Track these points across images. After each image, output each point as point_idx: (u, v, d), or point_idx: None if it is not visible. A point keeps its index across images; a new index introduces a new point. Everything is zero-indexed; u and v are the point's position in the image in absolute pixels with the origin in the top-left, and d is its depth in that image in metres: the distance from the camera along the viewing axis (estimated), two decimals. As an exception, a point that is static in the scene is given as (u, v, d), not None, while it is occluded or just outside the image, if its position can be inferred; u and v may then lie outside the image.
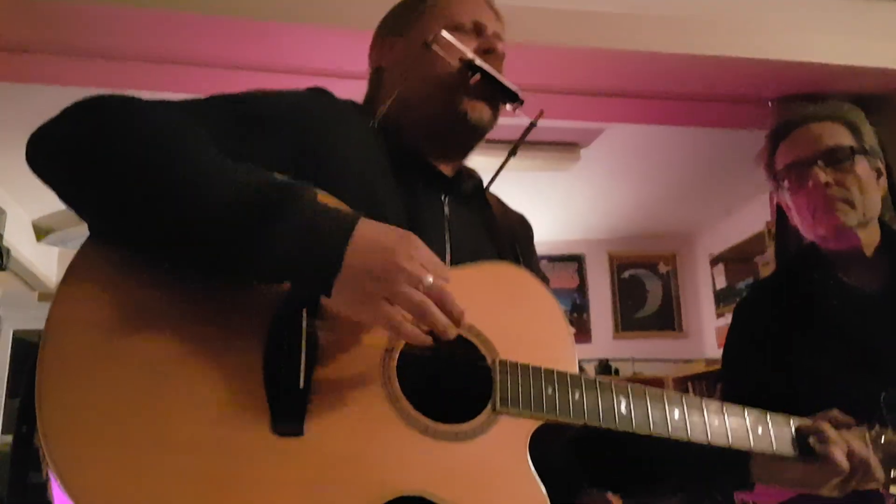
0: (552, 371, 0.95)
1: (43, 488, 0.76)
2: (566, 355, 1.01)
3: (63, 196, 0.84)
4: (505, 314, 0.99)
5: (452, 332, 0.83)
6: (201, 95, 1.02)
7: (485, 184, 1.25)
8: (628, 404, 0.97)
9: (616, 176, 4.63)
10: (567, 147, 4.16)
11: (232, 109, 0.98)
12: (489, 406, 0.91)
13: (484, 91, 1.12)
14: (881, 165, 1.55)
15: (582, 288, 5.86)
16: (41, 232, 4.61)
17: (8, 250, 4.02)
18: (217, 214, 0.78)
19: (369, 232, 0.82)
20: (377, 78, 1.23)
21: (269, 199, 0.79)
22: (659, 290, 5.92)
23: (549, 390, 0.94)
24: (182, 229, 0.80)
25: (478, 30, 1.17)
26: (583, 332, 5.70)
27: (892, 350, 1.41)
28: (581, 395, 0.95)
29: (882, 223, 1.55)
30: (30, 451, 0.76)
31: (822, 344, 1.48)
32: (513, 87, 1.13)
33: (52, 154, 0.84)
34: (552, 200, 4.88)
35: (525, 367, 0.94)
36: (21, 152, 0.86)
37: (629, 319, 5.83)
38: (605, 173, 4.56)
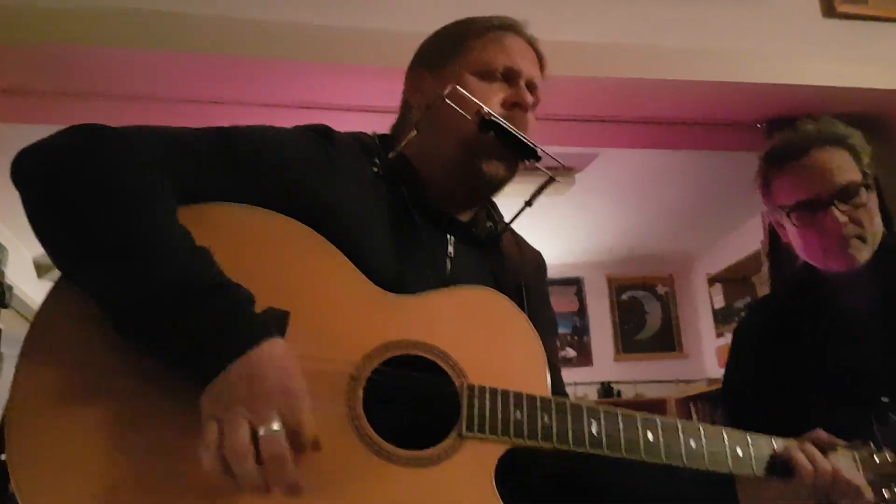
0: (521, 395, 0.94)
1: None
2: (538, 381, 0.99)
3: (29, 220, 0.86)
4: (478, 339, 0.98)
5: (251, 488, 0.75)
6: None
7: (497, 226, 1.23)
8: (599, 428, 0.95)
9: (612, 199, 4.68)
10: (562, 171, 4.21)
11: (225, 145, 0.99)
12: (455, 431, 0.90)
13: (499, 148, 1.08)
14: (872, 183, 1.52)
15: (581, 311, 5.89)
16: (42, 269, 4.63)
17: (10, 287, 4.03)
18: (148, 289, 0.80)
19: (261, 356, 0.79)
20: (405, 111, 1.21)
21: (197, 292, 0.80)
22: (658, 311, 5.95)
23: (518, 414, 0.93)
24: (115, 290, 0.81)
25: (509, 78, 1.12)
26: (584, 355, 5.71)
27: (883, 367, 1.41)
28: (550, 419, 0.94)
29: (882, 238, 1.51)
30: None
31: (818, 365, 1.48)
32: (531, 143, 1.09)
33: (25, 179, 0.87)
34: (549, 225, 4.91)
35: (494, 391, 0.93)
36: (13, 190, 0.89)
37: (629, 341, 5.84)
38: (600, 197, 4.60)
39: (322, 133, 1.09)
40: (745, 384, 1.59)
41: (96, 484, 0.78)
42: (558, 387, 1.12)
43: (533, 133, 1.12)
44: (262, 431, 0.75)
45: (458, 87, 1.08)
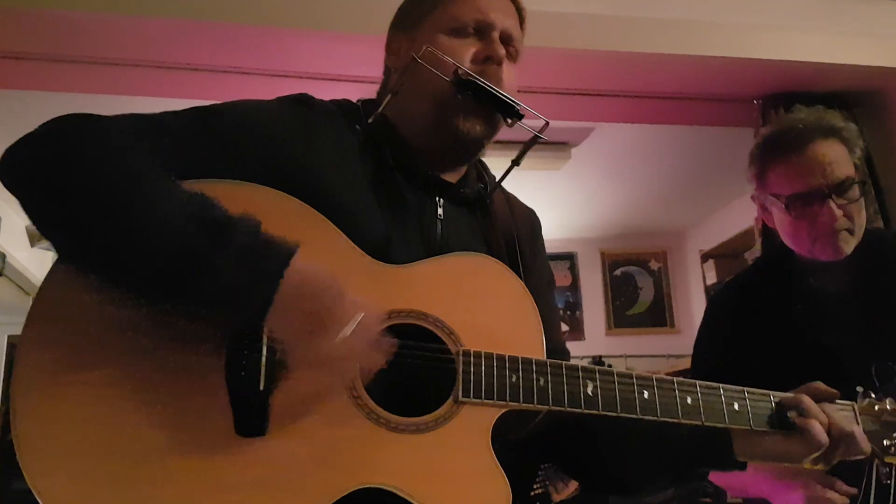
0: (516, 358, 0.95)
1: (28, 493, 0.79)
2: (533, 344, 1.00)
3: (27, 214, 0.87)
4: (472, 305, 0.99)
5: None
6: (200, 101, 1.03)
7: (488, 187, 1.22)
8: (595, 387, 0.97)
9: (607, 174, 4.67)
10: (558, 146, 4.20)
11: (203, 124, 0.99)
12: (451, 397, 0.92)
13: (477, 106, 1.07)
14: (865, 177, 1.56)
15: (574, 286, 5.90)
16: (35, 237, 4.61)
17: (3, 255, 4.03)
18: (161, 247, 0.81)
19: (298, 273, 0.83)
20: (386, 76, 1.20)
21: (207, 234, 0.82)
22: (650, 286, 5.97)
23: (513, 378, 0.94)
24: (126, 261, 0.83)
25: (481, 31, 1.10)
26: (576, 329, 5.74)
27: (855, 348, 1.43)
28: (546, 381, 0.95)
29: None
30: (14, 459, 0.79)
31: (787, 343, 1.52)
32: (510, 100, 1.07)
33: (13, 178, 0.87)
34: (543, 199, 4.90)
35: (489, 356, 0.94)
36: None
37: (621, 316, 5.87)
38: (595, 172, 4.59)
39: (302, 101, 1.09)
40: (713, 359, 1.62)
41: (101, 462, 0.79)
42: (555, 341, 1.13)
43: (511, 86, 1.10)
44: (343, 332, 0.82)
45: (430, 47, 1.06)
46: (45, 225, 0.86)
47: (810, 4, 2.74)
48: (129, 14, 2.16)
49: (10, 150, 0.87)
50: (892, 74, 2.76)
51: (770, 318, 1.57)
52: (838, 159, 1.49)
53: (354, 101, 1.18)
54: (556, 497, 3.06)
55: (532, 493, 1.08)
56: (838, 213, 1.46)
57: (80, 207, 0.83)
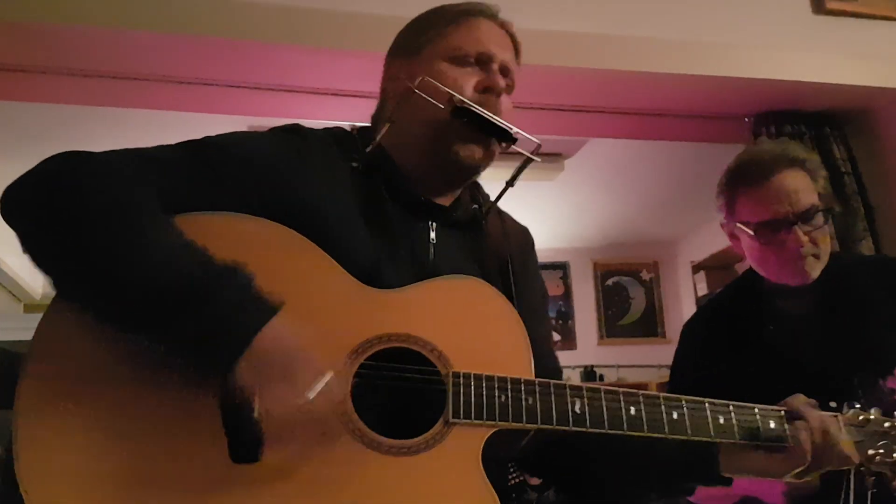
0: (505, 378, 0.96)
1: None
2: (522, 364, 1.01)
3: (24, 250, 0.88)
4: (461, 328, 1.00)
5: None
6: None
7: (482, 208, 1.24)
8: (582, 405, 0.98)
9: (600, 185, 4.70)
10: (551, 158, 4.23)
11: (196, 157, 1.00)
12: (441, 418, 0.93)
13: (474, 132, 1.10)
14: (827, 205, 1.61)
15: (567, 295, 5.93)
16: (27, 243, 4.59)
17: (-5, 262, 4.01)
18: (150, 286, 0.83)
19: (272, 334, 0.85)
20: (383, 101, 1.22)
21: (198, 284, 0.83)
22: (642, 297, 6.01)
23: (502, 397, 0.95)
24: (116, 297, 0.84)
25: (482, 62, 1.13)
26: (567, 339, 5.77)
27: (824, 366, 1.48)
28: (535, 400, 0.96)
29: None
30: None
31: (760, 362, 1.56)
32: (504, 125, 1.11)
33: (14, 217, 0.89)
34: (537, 209, 4.93)
35: (478, 377, 0.96)
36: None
37: (613, 326, 5.90)
38: (589, 183, 4.62)
39: (294, 132, 1.11)
40: (690, 378, 1.66)
41: (99, 488, 0.81)
42: (547, 358, 1.14)
43: (509, 117, 1.13)
44: (303, 399, 0.84)
45: (427, 77, 1.09)
46: (43, 261, 0.88)
47: (801, 24, 2.78)
48: (130, 28, 2.17)
49: (10, 190, 0.89)
50: (881, 94, 2.79)
51: (743, 338, 1.62)
52: (803, 188, 1.55)
53: (348, 127, 1.19)
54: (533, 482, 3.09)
55: (509, 483, 1.10)
56: (804, 239, 1.52)
57: (77, 245, 0.85)
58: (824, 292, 1.58)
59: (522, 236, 1.30)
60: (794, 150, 1.61)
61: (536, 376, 1.01)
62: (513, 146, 1.15)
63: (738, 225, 1.60)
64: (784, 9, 2.76)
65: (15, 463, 0.80)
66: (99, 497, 0.81)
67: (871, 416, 1.15)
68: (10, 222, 0.88)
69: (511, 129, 1.12)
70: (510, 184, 1.19)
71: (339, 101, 2.55)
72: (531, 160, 1.17)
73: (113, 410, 0.84)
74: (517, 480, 1.15)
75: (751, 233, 1.56)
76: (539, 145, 1.15)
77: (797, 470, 1.07)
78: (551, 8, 2.47)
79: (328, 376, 0.86)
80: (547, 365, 1.12)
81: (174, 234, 0.88)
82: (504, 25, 1.19)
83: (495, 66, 1.14)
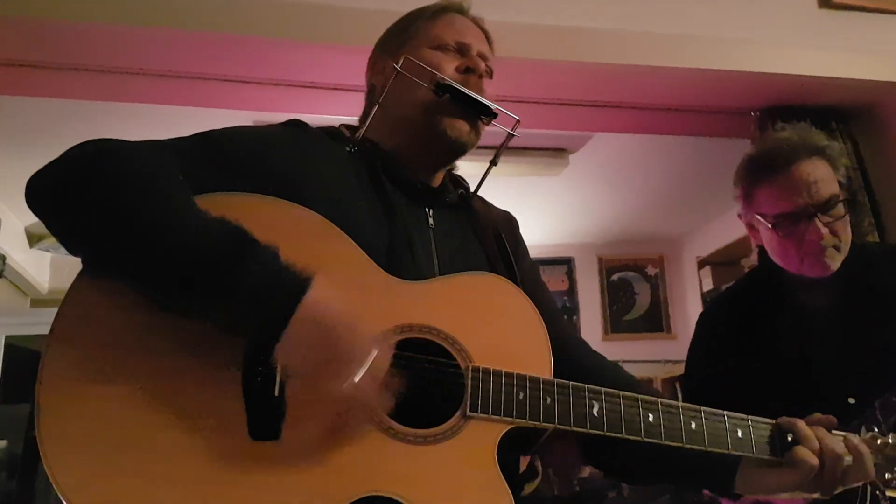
0: (524, 377, 0.98)
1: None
2: (542, 362, 1.03)
3: (56, 235, 0.91)
4: (482, 323, 1.02)
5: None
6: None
7: (470, 190, 1.29)
8: (601, 408, 0.99)
9: (605, 180, 4.69)
10: (556, 152, 4.22)
11: (208, 147, 1.03)
12: (459, 411, 0.95)
13: (458, 108, 1.16)
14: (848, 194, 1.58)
15: (571, 291, 5.92)
16: (34, 238, 4.62)
17: (3, 256, 4.04)
18: (187, 262, 0.85)
19: (314, 302, 0.86)
20: (370, 96, 1.28)
21: (233, 253, 0.85)
22: (647, 292, 5.99)
23: (521, 395, 0.97)
24: (155, 275, 0.87)
25: (461, 50, 1.21)
26: (572, 334, 5.77)
27: (843, 361, 1.47)
28: (553, 400, 0.98)
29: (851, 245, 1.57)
30: (38, 455, 0.83)
31: (777, 355, 1.54)
32: (485, 101, 1.17)
33: (43, 206, 0.91)
34: (542, 205, 4.93)
35: (497, 373, 0.97)
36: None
37: (618, 321, 5.89)
38: (594, 178, 4.61)
39: (297, 126, 1.16)
40: (706, 369, 1.65)
41: (118, 458, 0.82)
42: (564, 330, 1.19)
43: (491, 96, 1.20)
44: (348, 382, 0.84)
45: (410, 57, 1.17)
46: (78, 242, 0.90)
47: (806, 19, 2.77)
48: (137, 25, 2.18)
49: (36, 179, 0.91)
50: (886, 89, 2.78)
51: (760, 330, 1.60)
52: (823, 178, 1.51)
53: (337, 126, 1.24)
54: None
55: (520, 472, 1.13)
56: (825, 231, 1.48)
57: (114, 221, 0.87)
58: (844, 285, 1.55)
59: (507, 217, 1.34)
60: (815, 138, 1.57)
61: (553, 338, 1.04)
62: (494, 124, 1.22)
63: (757, 216, 1.58)
64: (790, 3, 2.75)
65: (36, 430, 0.81)
66: (115, 466, 0.82)
67: (890, 441, 1.14)
68: (42, 207, 0.91)
69: (491, 105, 1.18)
70: (493, 162, 1.25)
71: (348, 96, 2.56)
72: (512, 135, 1.24)
73: (135, 381, 0.86)
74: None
75: (769, 225, 1.53)
76: (518, 121, 1.22)
77: (810, 481, 1.06)
78: (557, 3, 2.47)
79: (374, 354, 0.87)
80: (568, 339, 1.18)
81: (200, 210, 0.90)
82: (476, 21, 1.28)
83: (474, 52, 1.22)
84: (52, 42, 2.31)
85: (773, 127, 2.80)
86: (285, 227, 0.98)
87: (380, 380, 0.89)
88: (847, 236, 1.53)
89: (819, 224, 1.48)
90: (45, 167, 0.92)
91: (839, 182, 1.54)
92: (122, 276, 0.89)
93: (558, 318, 1.23)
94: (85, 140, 0.95)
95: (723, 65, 2.60)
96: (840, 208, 1.51)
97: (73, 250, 0.91)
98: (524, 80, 2.51)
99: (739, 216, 1.66)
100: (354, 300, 0.94)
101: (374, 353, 0.87)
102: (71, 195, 0.89)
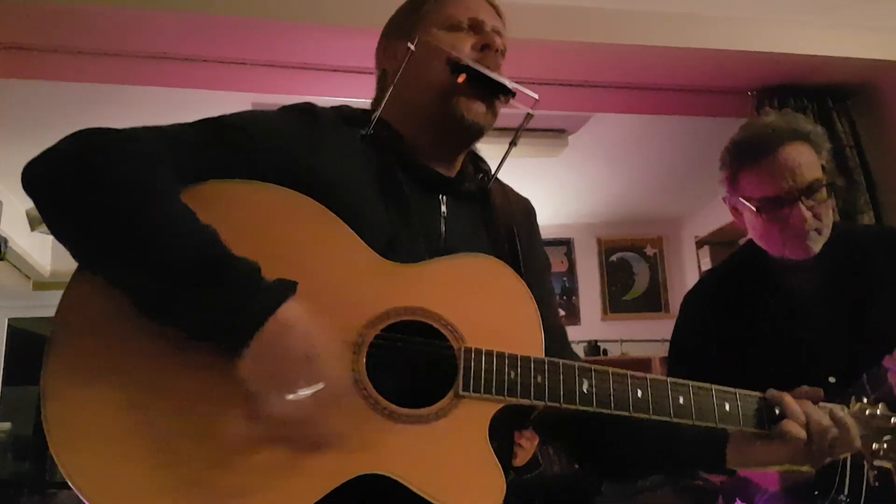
0: (515, 356, 0.99)
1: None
2: (533, 342, 1.04)
3: (45, 223, 0.92)
4: (476, 305, 1.02)
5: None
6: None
7: (488, 177, 1.26)
8: (590, 385, 1.01)
9: (604, 161, 4.70)
10: (555, 133, 4.22)
11: (213, 134, 1.02)
12: (452, 391, 0.96)
13: (475, 88, 1.12)
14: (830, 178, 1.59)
15: (571, 271, 5.95)
16: (36, 222, 4.64)
17: (6, 240, 4.05)
18: (164, 274, 0.87)
19: (283, 320, 0.88)
20: (382, 81, 1.24)
21: (207, 271, 0.87)
22: (646, 272, 6.02)
23: (512, 374, 0.98)
24: (133, 279, 0.89)
25: (475, 27, 1.17)
26: (572, 314, 5.79)
27: (826, 341, 1.49)
28: (543, 378, 0.99)
29: (833, 227, 1.59)
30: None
31: (761, 336, 1.57)
32: (501, 80, 1.13)
33: (37, 193, 0.92)
34: (541, 186, 4.93)
35: (489, 353, 0.98)
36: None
37: (617, 301, 5.92)
38: (593, 159, 4.62)
39: (306, 110, 1.13)
40: (690, 348, 1.68)
41: (122, 443, 0.85)
42: (552, 320, 1.17)
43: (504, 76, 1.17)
44: (293, 396, 0.87)
45: (424, 37, 1.13)
46: (64, 234, 0.91)
47: (804, -2, 2.77)
48: (137, 8, 2.19)
49: (32, 166, 0.92)
50: (884, 67, 2.79)
51: (744, 311, 1.62)
52: (807, 162, 1.53)
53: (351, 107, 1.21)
54: (523, 451, 3.19)
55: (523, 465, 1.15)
56: (808, 214, 1.51)
57: (97, 221, 0.88)
58: (828, 266, 1.57)
59: (525, 207, 1.32)
60: (799, 123, 1.59)
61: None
62: (512, 103, 1.17)
63: (741, 200, 1.59)
64: (787, -18, 2.75)
65: (42, 415, 0.84)
66: (119, 450, 0.85)
67: (878, 412, 1.15)
68: (33, 195, 0.91)
69: (509, 84, 1.14)
70: (513, 143, 1.21)
71: (348, 77, 2.56)
72: (531, 116, 1.20)
73: (137, 368, 0.88)
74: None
75: (753, 208, 1.55)
76: (537, 100, 1.18)
77: (799, 455, 1.07)
78: (554, -18, 2.47)
79: (320, 386, 0.89)
80: (552, 327, 1.14)
81: (186, 217, 0.90)
82: None
83: (488, 29, 1.18)
84: (50, 25, 2.31)
85: (770, 106, 2.81)
86: (281, 212, 0.99)
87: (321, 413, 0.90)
88: (829, 220, 1.55)
89: (802, 208, 1.50)
90: (39, 156, 0.92)
91: (822, 166, 1.56)
92: (104, 273, 0.90)
93: (552, 310, 1.23)
94: (83, 128, 0.95)
95: (720, 44, 2.61)
96: (823, 192, 1.53)
97: (62, 241, 0.92)
98: (522, 60, 2.51)
99: (724, 200, 1.68)
100: (341, 290, 0.97)
101: (320, 385, 0.89)
102: (56, 193, 0.90)
